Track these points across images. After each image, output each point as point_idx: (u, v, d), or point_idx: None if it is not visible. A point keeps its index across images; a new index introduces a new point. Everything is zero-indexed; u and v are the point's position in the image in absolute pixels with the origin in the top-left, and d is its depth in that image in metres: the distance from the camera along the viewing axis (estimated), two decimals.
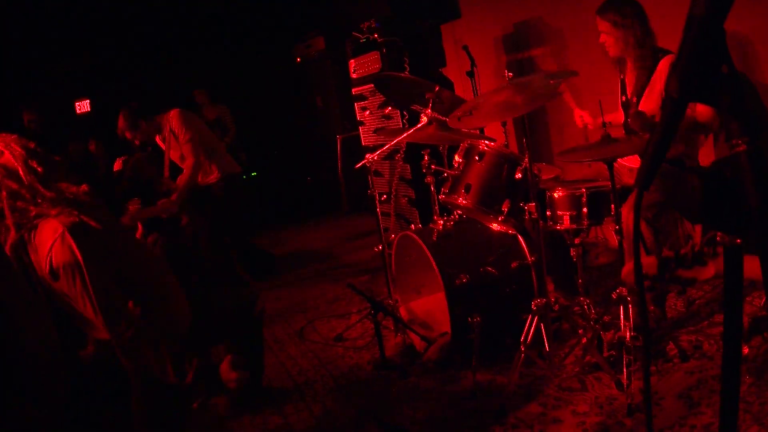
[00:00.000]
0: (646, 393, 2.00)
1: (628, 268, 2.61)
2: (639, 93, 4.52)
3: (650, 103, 4.46)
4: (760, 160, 1.41)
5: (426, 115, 4.38)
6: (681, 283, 2.38)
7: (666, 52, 4.41)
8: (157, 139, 6.59)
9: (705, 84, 1.42)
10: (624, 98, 4.66)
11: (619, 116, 4.78)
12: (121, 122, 6.33)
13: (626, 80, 4.65)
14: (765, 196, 1.41)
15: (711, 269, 2.74)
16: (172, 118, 6.39)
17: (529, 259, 4.18)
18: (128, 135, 6.38)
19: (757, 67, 4.70)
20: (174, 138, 6.35)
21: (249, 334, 4.15)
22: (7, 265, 2.90)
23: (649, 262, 2.15)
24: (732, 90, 1.43)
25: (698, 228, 5.13)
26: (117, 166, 7.04)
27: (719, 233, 1.53)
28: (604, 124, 3.79)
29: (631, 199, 4.23)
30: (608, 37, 4.49)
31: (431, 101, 4.42)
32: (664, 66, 4.36)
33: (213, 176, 6.61)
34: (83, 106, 11.43)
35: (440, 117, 4.39)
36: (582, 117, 4.90)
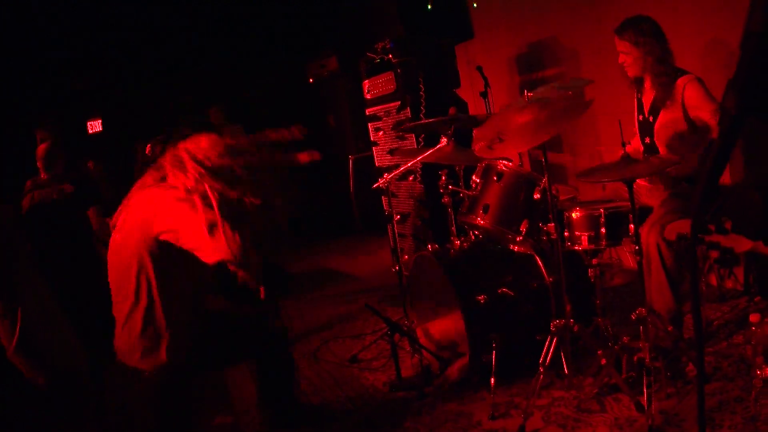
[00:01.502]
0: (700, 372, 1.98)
1: None
2: (655, 112, 4.51)
3: (667, 122, 4.45)
4: None
5: (446, 136, 4.39)
6: (718, 249, 2.36)
7: (683, 72, 4.41)
8: None
9: (764, 100, 1.42)
10: (641, 117, 4.66)
11: (636, 137, 4.78)
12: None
13: (643, 99, 4.65)
14: None
15: (748, 243, 2.72)
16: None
17: (547, 279, 4.17)
18: None
19: None
20: None
21: (271, 352, 4.06)
22: (34, 281, 2.95)
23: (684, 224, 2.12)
24: None
25: None
26: None
27: None
28: (623, 143, 3.78)
29: (650, 220, 4.23)
30: (627, 57, 4.48)
31: (451, 122, 4.43)
32: (681, 84, 4.36)
33: None
34: (95, 125, 11.47)
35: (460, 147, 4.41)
36: None
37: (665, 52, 4.41)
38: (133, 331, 3.48)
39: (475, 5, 7.88)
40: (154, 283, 3.47)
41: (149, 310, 3.48)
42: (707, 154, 1.54)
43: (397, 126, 6.27)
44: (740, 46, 1.42)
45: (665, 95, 4.43)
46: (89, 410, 3.05)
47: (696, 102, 4.30)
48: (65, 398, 2.81)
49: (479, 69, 6.66)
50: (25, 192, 5.63)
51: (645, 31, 4.39)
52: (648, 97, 4.59)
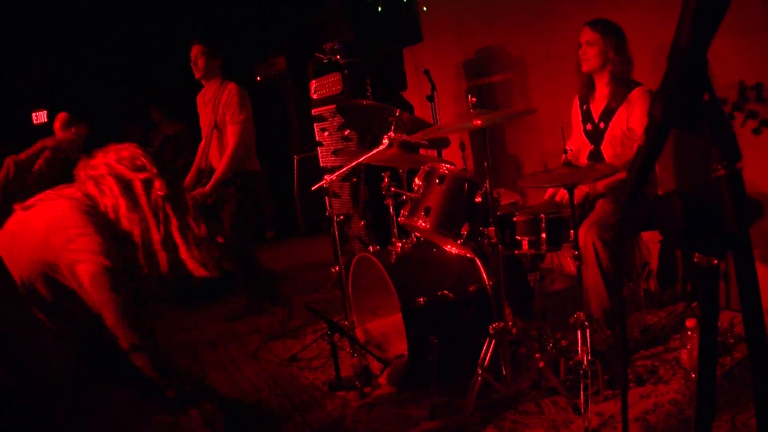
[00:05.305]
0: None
1: None
2: (606, 118, 4.56)
3: (617, 129, 4.51)
4: (738, 184, 1.46)
5: (388, 137, 4.37)
6: None
7: (637, 84, 4.47)
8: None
9: (687, 111, 1.47)
10: (590, 126, 4.70)
11: (581, 143, 4.82)
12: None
13: (591, 108, 4.69)
14: (742, 219, 1.45)
15: None
16: (232, 90, 5.98)
17: (487, 282, 4.19)
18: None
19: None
20: (223, 111, 5.97)
21: None
22: (7, 284, 2.87)
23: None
24: (712, 117, 1.48)
25: (654, 253, 5.20)
26: None
27: (697, 255, 1.57)
28: (564, 150, 3.82)
29: (588, 221, 4.28)
30: (591, 48, 4.51)
31: (393, 123, 4.43)
32: (634, 96, 4.42)
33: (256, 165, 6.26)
34: (40, 116, 11.31)
35: (404, 137, 4.39)
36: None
37: (627, 55, 4.47)
38: None
39: (424, 9, 7.91)
40: None
41: None
42: (633, 161, 1.60)
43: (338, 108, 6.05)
44: (667, 58, 1.47)
45: (619, 102, 4.48)
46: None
47: (643, 108, 4.36)
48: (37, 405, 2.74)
49: (426, 72, 6.68)
50: None
51: (614, 31, 4.45)
52: (598, 106, 4.63)
